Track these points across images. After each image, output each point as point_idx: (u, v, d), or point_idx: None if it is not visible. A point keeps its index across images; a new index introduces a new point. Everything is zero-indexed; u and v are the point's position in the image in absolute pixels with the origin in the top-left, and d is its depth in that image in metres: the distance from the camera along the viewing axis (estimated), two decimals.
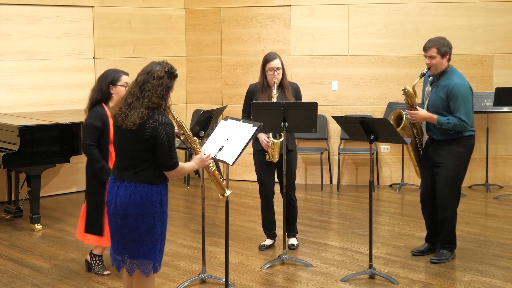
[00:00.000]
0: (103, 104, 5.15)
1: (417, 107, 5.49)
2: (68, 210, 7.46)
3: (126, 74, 5.22)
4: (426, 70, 5.47)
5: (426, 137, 5.62)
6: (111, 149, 5.09)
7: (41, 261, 5.72)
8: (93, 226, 5.20)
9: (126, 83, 5.13)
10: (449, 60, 5.44)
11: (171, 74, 3.92)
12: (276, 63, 5.72)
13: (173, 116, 4.03)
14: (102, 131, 5.10)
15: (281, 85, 5.79)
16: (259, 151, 5.86)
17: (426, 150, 5.63)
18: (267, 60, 5.76)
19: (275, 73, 5.71)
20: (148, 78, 3.86)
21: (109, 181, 4.06)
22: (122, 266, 4.02)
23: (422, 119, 5.48)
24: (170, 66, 3.94)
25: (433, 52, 5.37)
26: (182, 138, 4.37)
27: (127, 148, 3.90)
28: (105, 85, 5.15)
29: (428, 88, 5.55)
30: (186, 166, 4.04)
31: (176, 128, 4.19)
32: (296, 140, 6.26)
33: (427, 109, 5.50)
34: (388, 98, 8.45)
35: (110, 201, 3.94)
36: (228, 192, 4.52)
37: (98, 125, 5.08)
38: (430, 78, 5.54)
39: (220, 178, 4.48)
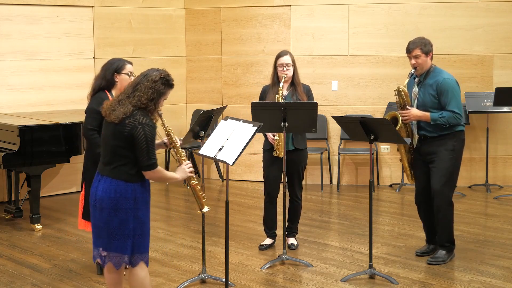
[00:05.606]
0: (106, 91, 5.15)
1: (409, 106, 5.50)
2: (68, 210, 7.45)
3: (130, 63, 5.23)
4: (413, 70, 5.50)
5: (416, 137, 5.62)
6: None
7: (41, 261, 5.72)
8: (89, 213, 5.17)
9: (131, 72, 5.16)
10: (431, 58, 5.50)
11: (166, 82, 4.01)
12: (286, 59, 5.79)
13: (163, 124, 4.18)
14: (103, 117, 5.07)
15: (293, 83, 5.84)
16: (267, 150, 5.88)
17: (417, 151, 5.63)
18: (278, 56, 5.86)
19: (285, 69, 5.77)
20: (143, 80, 3.99)
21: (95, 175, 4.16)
22: (97, 258, 4.13)
23: (415, 118, 5.48)
24: (167, 73, 4.04)
25: (418, 52, 5.43)
26: (170, 148, 4.34)
27: (109, 143, 4.02)
28: (109, 72, 5.15)
29: (415, 89, 5.57)
30: (167, 173, 4.16)
31: (165, 138, 4.32)
32: None
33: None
34: (388, 98, 8.45)
35: (92, 194, 4.08)
36: (206, 209, 4.56)
37: (100, 110, 5.04)
38: (416, 79, 5.57)
39: (201, 194, 4.51)
